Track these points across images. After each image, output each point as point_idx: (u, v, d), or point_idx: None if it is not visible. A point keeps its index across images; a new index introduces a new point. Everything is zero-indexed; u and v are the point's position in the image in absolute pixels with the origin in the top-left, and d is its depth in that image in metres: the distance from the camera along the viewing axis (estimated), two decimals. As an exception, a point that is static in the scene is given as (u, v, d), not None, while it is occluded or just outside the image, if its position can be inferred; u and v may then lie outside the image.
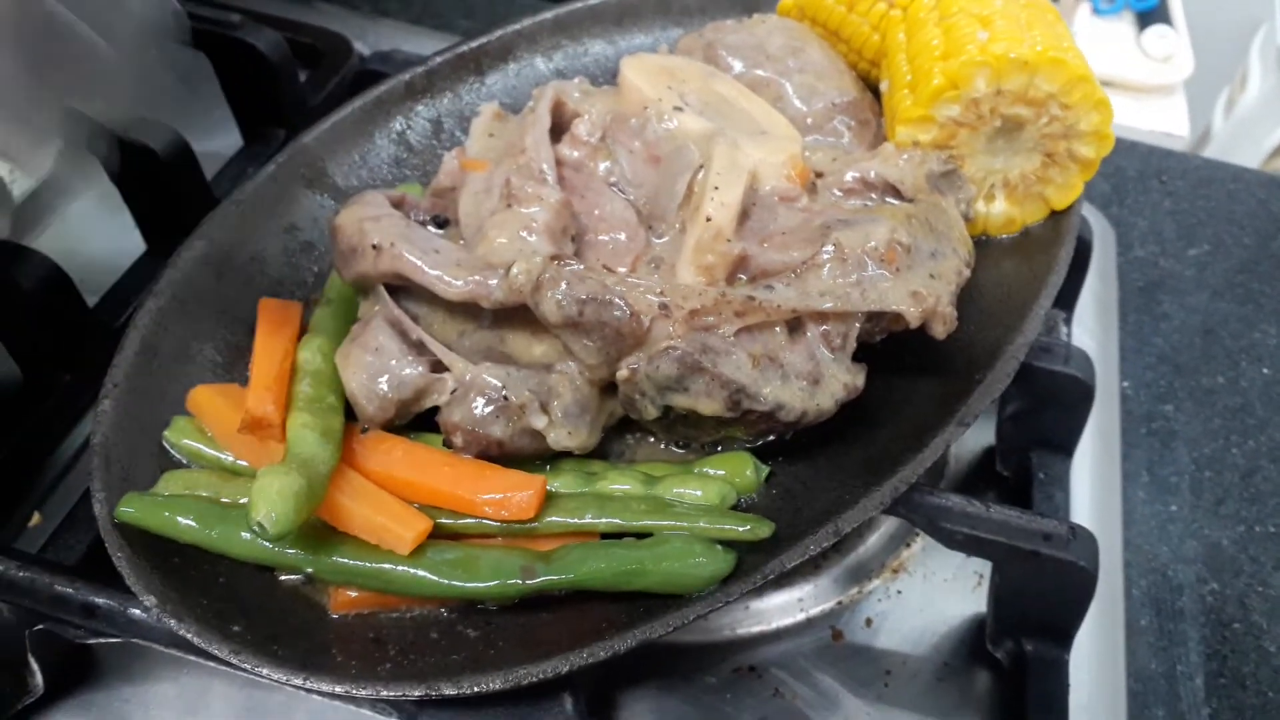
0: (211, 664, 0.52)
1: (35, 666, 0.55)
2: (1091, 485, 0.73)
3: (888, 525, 0.68)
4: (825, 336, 0.55)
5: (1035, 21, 0.63)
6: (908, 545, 0.68)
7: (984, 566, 0.64)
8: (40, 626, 0.54)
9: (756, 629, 0.64)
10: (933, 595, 0.66)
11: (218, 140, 0.87)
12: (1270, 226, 0.95)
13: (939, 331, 0.55)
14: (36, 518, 0.64)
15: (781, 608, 0.64)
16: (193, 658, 0.52)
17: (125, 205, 0.76)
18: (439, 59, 0.76)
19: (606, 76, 0.77)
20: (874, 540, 0.68)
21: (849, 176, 0.62)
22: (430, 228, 0.62)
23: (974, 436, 0.74)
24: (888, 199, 0.62)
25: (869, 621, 0.65)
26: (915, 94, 0.64)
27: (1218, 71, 2.25)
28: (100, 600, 0.52)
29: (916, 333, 0.57)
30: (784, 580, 0.65)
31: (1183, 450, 0.78)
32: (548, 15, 0.79)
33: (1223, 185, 0.98)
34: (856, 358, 0.58)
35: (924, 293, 0.54)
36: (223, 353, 0.62)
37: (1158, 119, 1.80)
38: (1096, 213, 0.93)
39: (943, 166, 0.62)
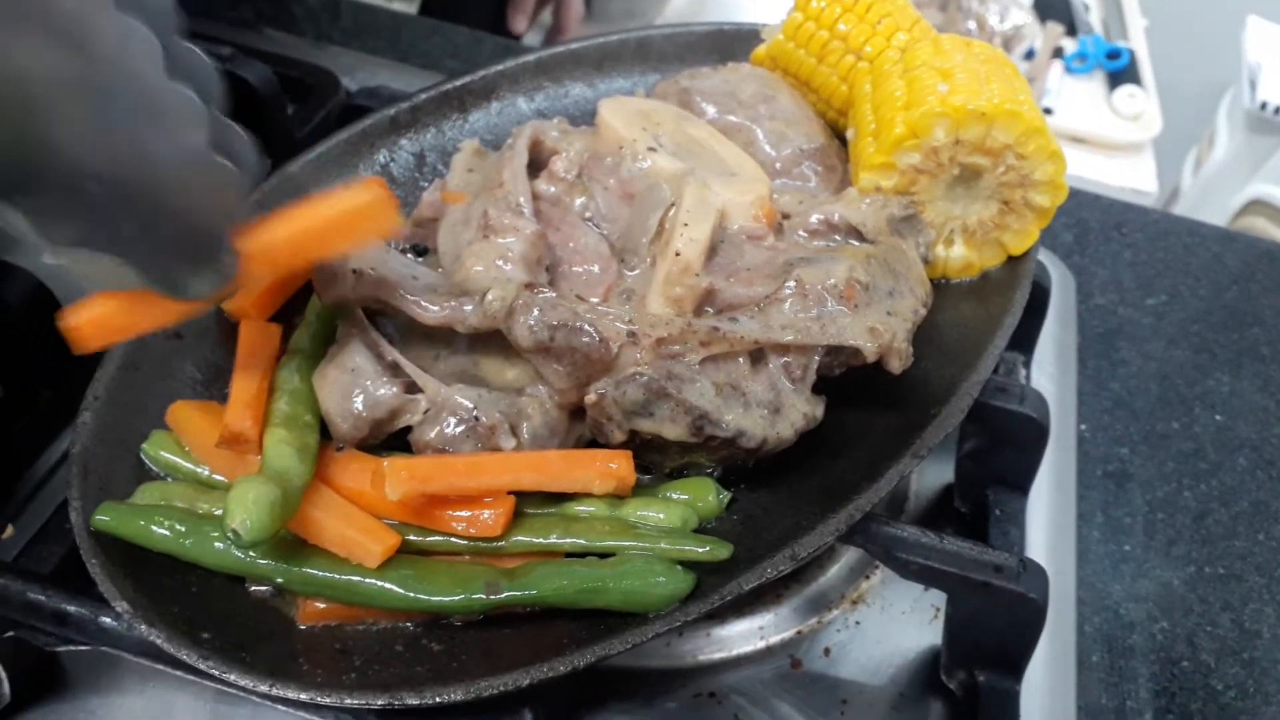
0: (179, 675, 0.53)
1: (3, 675, 0.56)
2: (1047, 523, 0.75)
3: (848, 557, 0.70)
4: (786, 368, 0.57)
5: (994, 76, 0.67)
6: (867, 577, 0.70)
7: (941, 599, 0.66)
8: (10, 634, 0.54)
9: (718, 655, 0.65)
10: (890, 627, 0.68)
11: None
12: (1224, 279, 0.98)
13: (895, 366, 0.58)
14: (9, 530, 0.64)
15: (743, 635, 0.66)
16: (161, 668, 0.52)
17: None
18: (424, 95, 0.78)
19: (585, 118, 0.80)
20: (834, 571, 0.69)
21: (814, 218, 0.65)
22: (410, 255, 0.64)
23: (934, 473, 0.76)
24: (850, 240, 0.64)
25: (827, 651, 0.66)
26: (878, 142, 0.67)
27: (1186, 131, 2.32)
28: (72, 608, 0.53)
29: (874, 368, 0.59)
30: (745, 608, 0.66)
31: (1137, 492, 0.81)
32: (530, 57, 0.82)
33: (1180, 239, 1.02)
34: (817, 390, 0.60)
35: (880, 329, 0.57)
36: (203, 370, 0.63)
37: (1127, 175, 1.85)
38: (1058, 261, 0.96)
39: (904, 211, 0.65)
